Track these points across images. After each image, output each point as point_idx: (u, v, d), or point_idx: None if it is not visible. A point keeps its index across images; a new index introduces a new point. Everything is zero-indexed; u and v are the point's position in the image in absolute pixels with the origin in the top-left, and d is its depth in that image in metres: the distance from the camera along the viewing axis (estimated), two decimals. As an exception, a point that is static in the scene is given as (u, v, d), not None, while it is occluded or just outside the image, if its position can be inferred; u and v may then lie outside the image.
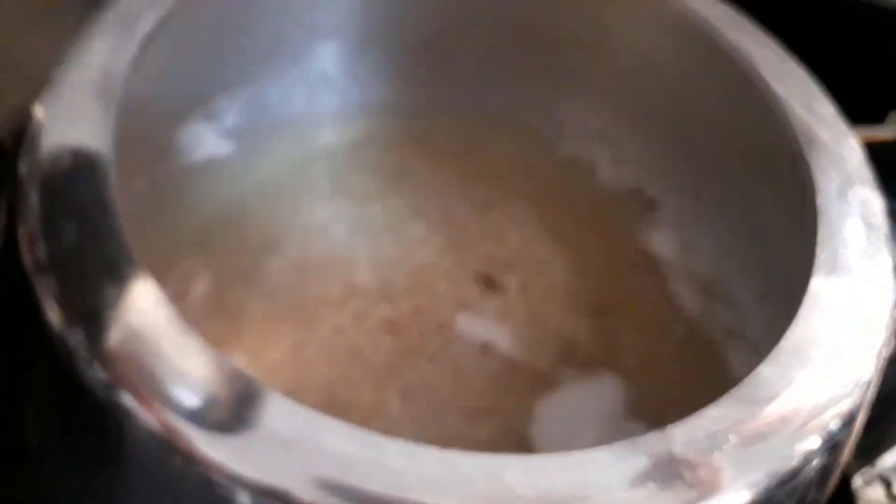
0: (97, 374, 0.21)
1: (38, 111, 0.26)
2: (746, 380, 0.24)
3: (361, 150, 0.38)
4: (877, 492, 0.40)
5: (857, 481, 0.40)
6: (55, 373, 0.23)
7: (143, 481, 0.23)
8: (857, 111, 0.33)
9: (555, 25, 0.39)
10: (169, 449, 0.20)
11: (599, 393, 0.34)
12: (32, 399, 0.27)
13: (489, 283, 0.37)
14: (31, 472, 0.27)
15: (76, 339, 0.22)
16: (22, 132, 0.26)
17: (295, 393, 0.21)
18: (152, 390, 0.21)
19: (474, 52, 0.37)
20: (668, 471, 0.21)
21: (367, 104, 0.34)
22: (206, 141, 0.36)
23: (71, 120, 0.26)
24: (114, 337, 0.22)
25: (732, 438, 0.22)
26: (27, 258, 0.24)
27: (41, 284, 0.23)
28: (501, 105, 0.41)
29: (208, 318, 0.33)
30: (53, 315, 0.22)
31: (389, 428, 0.22)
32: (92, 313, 0.22)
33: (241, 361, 0.32)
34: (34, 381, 0.26)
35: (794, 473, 0.23)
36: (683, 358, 0.35)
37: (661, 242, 0.39)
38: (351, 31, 0.38)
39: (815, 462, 0.23)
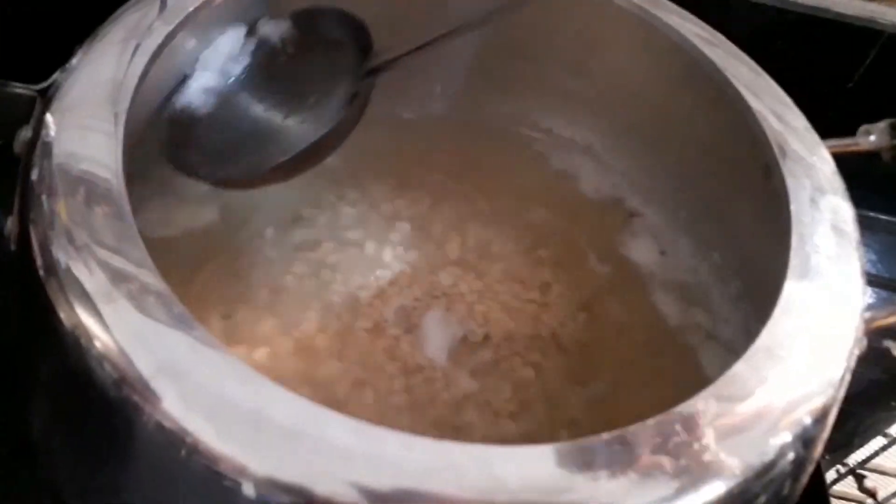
0: (107, 371, 0.22)
1: (50, 121, 0.27)
2: (722, 378, 0.24)
3: (361, 159, 0.39)
4: (849, 486, 0.41)
5: (831, 475, 0.41)
6: (65, 371, 0.24)
7: (151, 474, 0.23)
8: (829, 124, 0.34)
9: (541, 44, 0.40)
10: (176, 442, 0.21)
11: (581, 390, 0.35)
12: (40, 397, 0.27)
13: (476, 289, 0.37)
14: (36, 467, 0.27)
15: (87, 338, 0.22)
16: (35, 141, 0.27)
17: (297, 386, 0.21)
18: (161, 386, 0.21)
19: (467, 69, 0.38)
20: (649, 463, 0.22)
21: (366, 117, 0.35)
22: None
23: (81, 130, 0.27)
24: (124, 335, 0.22)
25: (709, 433, 0.23)
26: (39, 261, 0.24)
27: (52, 286, 0.23)
28: (492, 120, 0.42)
29: (214, 316, 0.34)
30: (64, 315, 0.23)
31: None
32: (101, 313, 0.23)
33: (245, 356, 0.32)
34: (43, 380, 0.27)
35: (770, 467, 0.23)
36: (661, 358, 0.36)
37: (641, 250, 0.40)
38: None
39: (790, 456, 0.24)
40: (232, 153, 0.33)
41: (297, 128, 0.33)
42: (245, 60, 0.34)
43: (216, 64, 0.34)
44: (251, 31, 0.34)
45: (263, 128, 0.34)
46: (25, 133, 0.28)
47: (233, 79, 0.34)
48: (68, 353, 0.23)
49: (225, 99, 0.34)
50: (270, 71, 0.34)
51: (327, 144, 0.33)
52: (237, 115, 0.34)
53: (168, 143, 0.32)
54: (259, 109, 0.34)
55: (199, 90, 0.33)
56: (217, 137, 0.33)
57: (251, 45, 0.34)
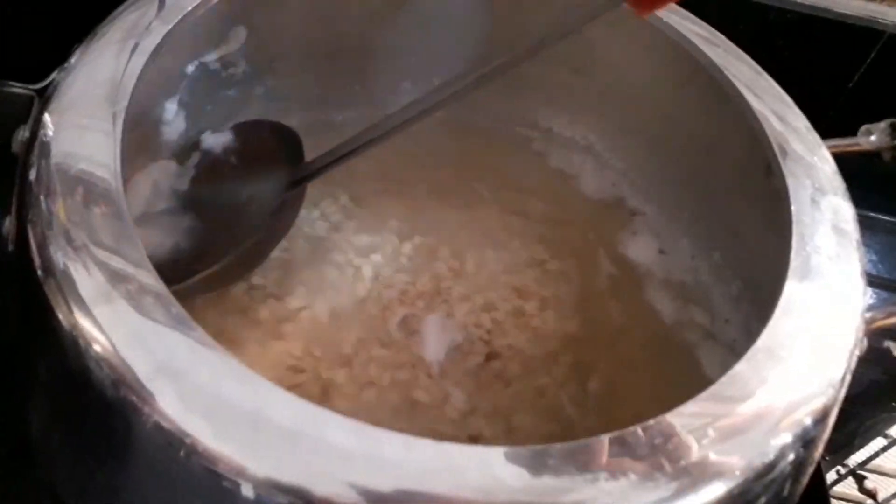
0: (105, 371, 0.22)
1: (48, 120, 0.27)
2: (723, 378, 0.24)
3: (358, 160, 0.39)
4: (850, 487, 0.41)
5: (831, 476, 0.41)
6: (63, 371, 0.24)
7: (150, 475, 0.23)
8: (830, 124, 0.34)
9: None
10: (175, 443, 0.21)
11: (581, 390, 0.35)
12: (39, 397, 0.27)
13: (475, 288, 0.37)
14: (34, 467, 0.28)
15: (85, 338, 0.22)
16: (33, 140, 0.27)
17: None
18: (159, 387, 0.21)
19: (465, 68, 0.38)
20: (650, 463, 0.22)
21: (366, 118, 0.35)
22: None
23: (79, 129, 0.27)
24: (122, 336, 0.22)
25: (710, 433, 0.23)
26: (37, 261, 0.24)
27: (51, 286, 0.23)
28: (491, 119, 0.42)
29: (213, 316, 0.34)
30: (62, 316, 0.23)
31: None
32: (100, 314, 0.23)
33: (244, 357, 0.32)
34: (41, 380, 0.26)
35: (770, 468, 0.23)
36: (662, 359, 0.36)
37: (642, 250, 0.40)
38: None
39: (790, 457, 0.24)
40: (173, 265, 0.33)
41: (226, 239, 0.34)
42: (190, 174, 0.35)
43: (165, 184, 0.34)
44: (195, 146, 0.35)
45: (200, 239, 0.34)
46: (23, 133, 0.28)
47: (179, 193, 0.34)
48: (66, 353, 0.23)
49: (170, 214, 0.34)
50: (210, 185, 0.35)
51: (256, 253, 0.34)
52: (179, 228, 0.34)
53: None
54: (198, 222, 0.34)
55: (154, 207, 0.34)
56: (162, 252, 0.33)
57: (195, 159, 0.35)
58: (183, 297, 0.32)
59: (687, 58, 0.36)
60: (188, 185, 0.34)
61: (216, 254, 0.33)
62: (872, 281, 0.31)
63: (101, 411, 0.23)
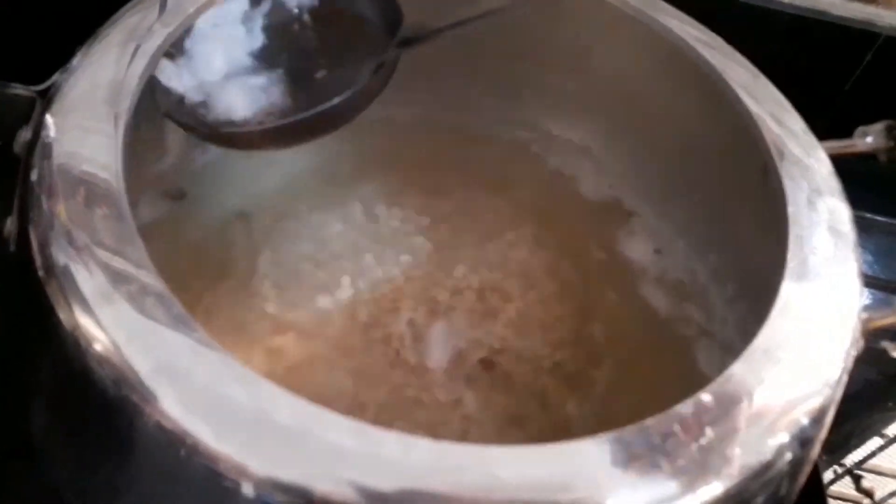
0: (107, 372, 0.22)
1: (50, 122, 0.27)
2: (720, 378, 0.25)
3: (359, 162, 0.39)
4: (847, 486, 0.41)
5: (828, 476, 0.41)
6: (65, 371, 0.24)
7: (151, 475, 0.23)
8: (826, 126, 0.34)
9: (539, 46, 0.40)
10: (176, 443, 0.21)
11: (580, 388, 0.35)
12: (40, 397, 0.27)
13: (476, 289, 0.38)
14: (36, 467, 0.28)
15: (86, 338, 0.22)
16: (35, 142, 0.27)
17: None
18: (160, 387, 0.22)
19: (464, 72, 0.38)
20: (648, 462, 0.22)
21: (365, 120, 0.35)
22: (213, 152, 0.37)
23: (81, 131, 0.27)
24: (124, 336, 0.22)
25: (708, 433, 0.23)
26: (38, 261, 0.24)
27: (52, 286, 0.24)
28: (490, 122, 0.43)
29: (213, 315, 0.34)
30: (64, 316, 0.23)
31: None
32: (101, 314, 0.23)
33: (245, 357, 0.32)
34: (43, 380, 0.27)
35: (767, 467, 0.23)
36: (660, 360, 0.36)
37: (639, 251, 0.40)
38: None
39: (787, 456, 0.24)
40: (240, 107, 0.33)
41: (310, 91, 0.33)
42: (263, 20, 0.34)
43: (230, 19, 0.33)
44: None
45: (275, 87, 0.33)
46: (25, 134, 0.28)
47: (247, 36, 0.34)
48: (68, 353, 0.23)
49: (236, 54, 0.33)
50: (289, 34, 0.34)
51: (341, 113, 0.33)
52: (248, 71, 0.33)
53: (168, 93, 0.32)
54: (272, 69, 0.34)
55: (208, 42, 0.33)
56: (225, 91, 0.33)
57: (267, 6, 0.34)
58: (266, 146, 0.33)
59: (684, 60, 0.36)
60: (263, 43, 0.34)
61: (303, 106, 0.32)
62: (869, 281, 0.31)
63: (102, 411, 0.23)
